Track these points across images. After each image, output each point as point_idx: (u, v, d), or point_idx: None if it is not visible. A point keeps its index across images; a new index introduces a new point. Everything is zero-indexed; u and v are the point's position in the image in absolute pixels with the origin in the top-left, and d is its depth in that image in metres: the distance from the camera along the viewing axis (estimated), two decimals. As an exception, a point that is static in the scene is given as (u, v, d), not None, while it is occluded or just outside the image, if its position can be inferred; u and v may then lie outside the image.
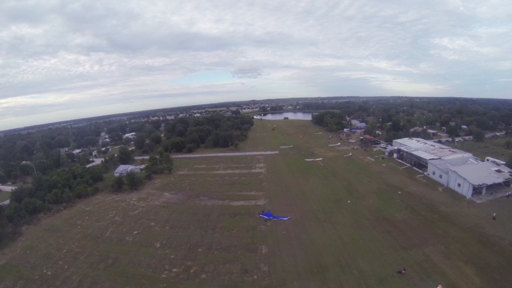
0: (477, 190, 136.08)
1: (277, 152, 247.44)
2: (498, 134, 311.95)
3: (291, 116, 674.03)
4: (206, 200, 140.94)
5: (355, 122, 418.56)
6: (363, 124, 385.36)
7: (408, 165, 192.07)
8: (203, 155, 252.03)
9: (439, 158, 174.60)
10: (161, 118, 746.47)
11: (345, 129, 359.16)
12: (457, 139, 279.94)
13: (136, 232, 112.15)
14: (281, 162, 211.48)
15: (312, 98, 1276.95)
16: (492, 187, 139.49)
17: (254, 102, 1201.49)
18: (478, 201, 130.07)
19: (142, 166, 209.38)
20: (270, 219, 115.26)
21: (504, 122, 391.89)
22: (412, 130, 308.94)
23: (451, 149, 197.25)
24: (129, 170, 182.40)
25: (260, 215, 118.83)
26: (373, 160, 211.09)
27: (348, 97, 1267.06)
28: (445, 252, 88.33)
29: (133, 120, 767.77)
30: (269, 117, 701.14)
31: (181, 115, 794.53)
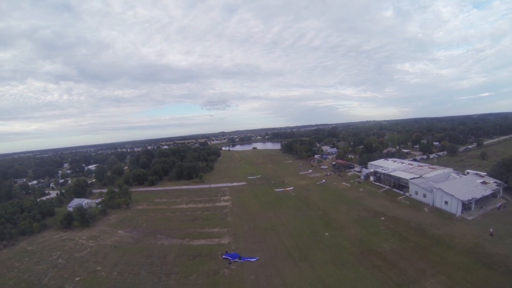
0: (466, 206, 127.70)
1: (244, 183, 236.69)
2: (470, 147, 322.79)
3: (260, 146, 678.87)
4: (164, 239, 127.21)
5: (325, 148, 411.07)
6: (334, 150, 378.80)
7: (387, 187, 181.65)
8: (166, 188, 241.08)
9: (420, 177, 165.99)
10: (128, 150, 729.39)
11: (316, 156, 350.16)
12: (431, 156, 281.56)
13: (78, 278, 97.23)
14: (249, 194, 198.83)
15: (281, 128, 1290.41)
16: (480, 201, 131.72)
17: (223, 134, 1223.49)
18: (469, 218, 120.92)
19: (99, 200, 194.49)
20: (235, 261, 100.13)
21: (473, 135, 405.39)
22: (385, 151, 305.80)
23: (431, 166, 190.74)
24: (84, 204, 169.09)
25: (224, 256, 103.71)
26: (348, 185, 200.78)
27: (316, 125, 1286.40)
28: (449, 283, 75.71)
29: (99, 152, 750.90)
30: (238, 148, 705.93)
31: (149, 147, 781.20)
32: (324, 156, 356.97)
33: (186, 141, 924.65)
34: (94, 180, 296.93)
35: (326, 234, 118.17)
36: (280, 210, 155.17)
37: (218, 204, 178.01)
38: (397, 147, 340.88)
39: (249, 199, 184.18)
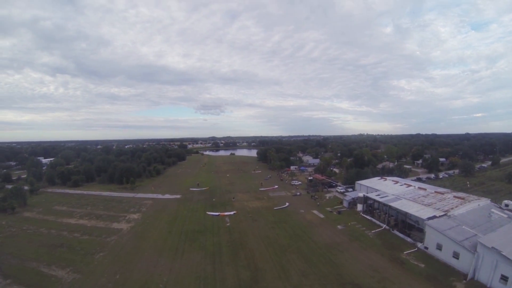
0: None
1: (178, 196, 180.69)
2: (484, 165, 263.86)
3: (244, 153, 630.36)
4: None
5: (307, 159, 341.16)
6: (317, 161, 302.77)
7: (384, 226, 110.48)
8: (86, 192, 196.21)
9: (445, 215, 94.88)
10: (114, 147, 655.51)
11: (292, 167, 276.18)
12: (441, 175, 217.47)
13: None
14: (168, 215, 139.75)
15: (273, 137, 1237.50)
16: None
17: (213, 139, 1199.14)
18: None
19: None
20: None
21: (483, 152, 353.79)
22: (380, 166, 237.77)
23: (457, 194, 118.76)
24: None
25: None
26: (322, 216, 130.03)
27: (309, 136, 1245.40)
28: None
29: (86, 147, 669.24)
30: (221, 153, 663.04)
31: (127, 146, 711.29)
32: (302, 168, 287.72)
33: (172, 143, 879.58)
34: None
35: None
36: (185, 255, 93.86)
37: (115, 225, 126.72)
38: (395, 161, 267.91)
39: (159, 224, 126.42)
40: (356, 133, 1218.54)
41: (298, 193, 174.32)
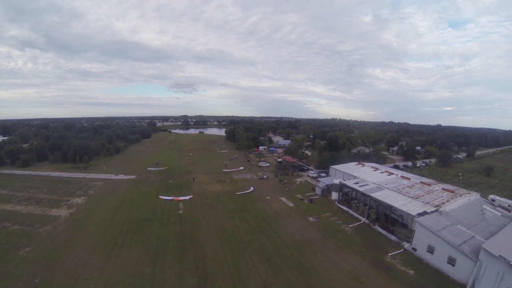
0: None
1: (133, 177, 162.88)
2: (460, 157, 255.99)
3: (214, 131, 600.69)
4: None
5: (277, 139, 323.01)
6: (287, 142, 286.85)
7: (364, 219, 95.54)
8: (34, 172, 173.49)
9: (436, 210, 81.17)
10: (85, 125, 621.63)
11: (260, 147, 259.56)
12: (418, 164, 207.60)
13: None
14: (115, 199, 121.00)
15: (245, 117, 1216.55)
16: None
17: (185, 117, 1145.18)
18: None
19: None
20: None
21: (457, 144, 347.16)
22: (355, 150, 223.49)
23: (445, 186, 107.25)
24: None
25: None
26: (291, 205, 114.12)
27: (282, 117, 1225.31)
28: None
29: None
30: (191, 131, 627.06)
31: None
32: (272, 149, 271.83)
33: (142, 121, 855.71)
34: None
35: None
36: (123, 251, 76.53)
37: (54, 211, 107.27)
38: (371, 147, 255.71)
39: (102, 211, 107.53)
40: (329, 117, 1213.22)
41: (265, 176, 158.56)
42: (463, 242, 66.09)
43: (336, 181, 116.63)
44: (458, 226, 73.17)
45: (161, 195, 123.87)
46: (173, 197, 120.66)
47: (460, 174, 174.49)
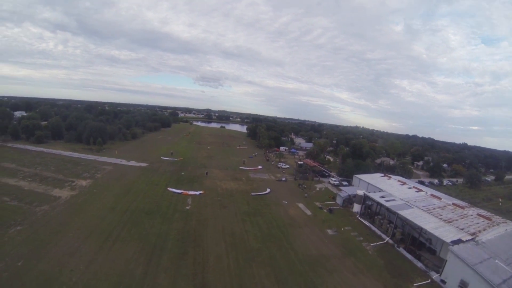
0: None
1: (145, 165, 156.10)
2: (488, 179, 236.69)
3: (236, 127, 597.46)
4: None
5: (299, 141, 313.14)
6: (310, 145, 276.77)
7: (387, 238, 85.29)
8: (47, 150, 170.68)
9: (472, 239, 71.38)
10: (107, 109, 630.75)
11: (281, 148, 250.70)
12: (444, 182, 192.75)
13: None
14: (121, 186, 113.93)
15: (268, 116, 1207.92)
16: None
17: (208, 111, 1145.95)
18: None
19: None
20: None
21: (485, 165, 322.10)
22: (378, 161, 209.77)
23: (480, 211, 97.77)
24: None
25: None
26: (309, 213, 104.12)
27: (305, 120, 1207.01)
28: None
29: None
30: (213, 125, 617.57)
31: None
32: (293, 150, 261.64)
33: (165, 110, 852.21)
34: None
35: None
36: (116, 244, 69.00)
37: (56, 191, 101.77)
38: (395, 158, 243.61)
39: (105, 197, 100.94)
40: (352, 124, 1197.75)
41: (284, 179, 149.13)
42: (502, 281, 56.00)
43: (360, 192, 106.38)
44: (497, 261, 62.98)
45: (170, 187, 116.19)
46: (183, 191, 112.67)
47: (500, 200, 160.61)
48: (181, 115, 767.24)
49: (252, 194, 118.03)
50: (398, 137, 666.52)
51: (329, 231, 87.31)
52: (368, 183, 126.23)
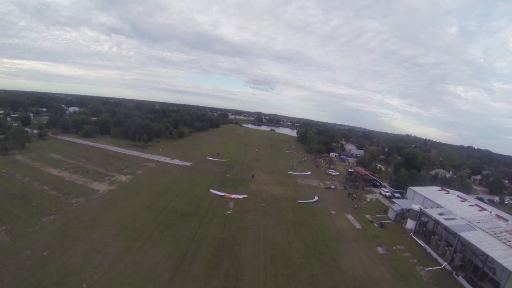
0: None
1: (189, 164, 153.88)
2: None
3: (286, 131, 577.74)
4: None
5: (350, 148, 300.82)
6: (360, 152, 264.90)
7: (445, 264, 74.38)
8: (92, 143, 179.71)
9: None
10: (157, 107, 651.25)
11: (331, 154, 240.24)
12: (506, 200, 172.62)
13: None
14: (161, 184, 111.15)
15: (318, 122, 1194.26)
16: None
17: (258, 114, 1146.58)
18: None
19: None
20: None
21: None
22: (432, 172, 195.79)
23: None
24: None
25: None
26: (358, 226, 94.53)
27: (355, 127, 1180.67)
28: None
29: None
30: (263, 128, 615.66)
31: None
32: (343, 157, 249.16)
33: (215, 111, 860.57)
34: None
35: None
36: (146, 246, 65.12)
37: (95, 184, 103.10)
38: (450, 171, 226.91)
39: (143, 194, 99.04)
40: (403, 133, 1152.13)
41: (333, 187, 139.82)
42: None
43: (416, 207, 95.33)
44: None
45: (213, 189, 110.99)
46: (225, 194, 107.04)
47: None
48: (231, 116, 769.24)
49: (299, 201, 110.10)
50: (452, 147, 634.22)
51: (380, 249, 77.63)
52: (424, 197, 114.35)
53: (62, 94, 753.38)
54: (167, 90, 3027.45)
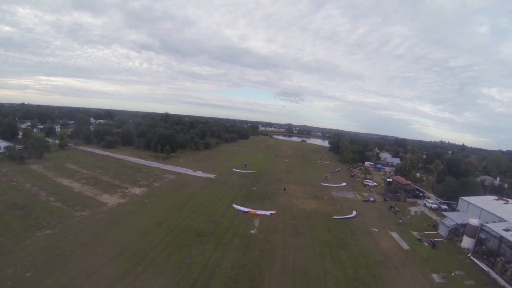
0: None
1: (212, 176, 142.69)
2: None
3: (318, 142, 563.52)
4: None
5: (385, 156, 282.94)
6: (397, 161, 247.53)
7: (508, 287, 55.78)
8: (112, 154, 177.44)
9: None
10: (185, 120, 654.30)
11: (366, 163, 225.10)
12: None
13: None
14: (178, 198, 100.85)
15: (349, 132, 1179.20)
16: None
17: (289, 125, 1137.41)
18: None
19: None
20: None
21: None
22: (479, 179, 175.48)
23: None
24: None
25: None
26: (405, 247, 77.81)
27: (386, 136, 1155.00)
28: None
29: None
30: (294, 139, 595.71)
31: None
32: (379, 166, 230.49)
33: (246, 124, 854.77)
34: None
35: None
36: (145, 274, 52.48)
37: (105, 197, 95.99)
38: (498, 178, 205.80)
39: (156, 209, 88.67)
40: (436, 139, 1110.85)
41: (372, 199, 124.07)
42: None
43: (475, 222, 78.95)
44: None
45: (236, 204, 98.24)
46: (250, 209, 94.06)
47: None
48: (261, 128, 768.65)
49: (334, 217, 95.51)
50: (490, 153, 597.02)
51: (435, 277, 61.20)
52: (482, 209, 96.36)
53: (93, 109, 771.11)
54: (198, 104, 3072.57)
